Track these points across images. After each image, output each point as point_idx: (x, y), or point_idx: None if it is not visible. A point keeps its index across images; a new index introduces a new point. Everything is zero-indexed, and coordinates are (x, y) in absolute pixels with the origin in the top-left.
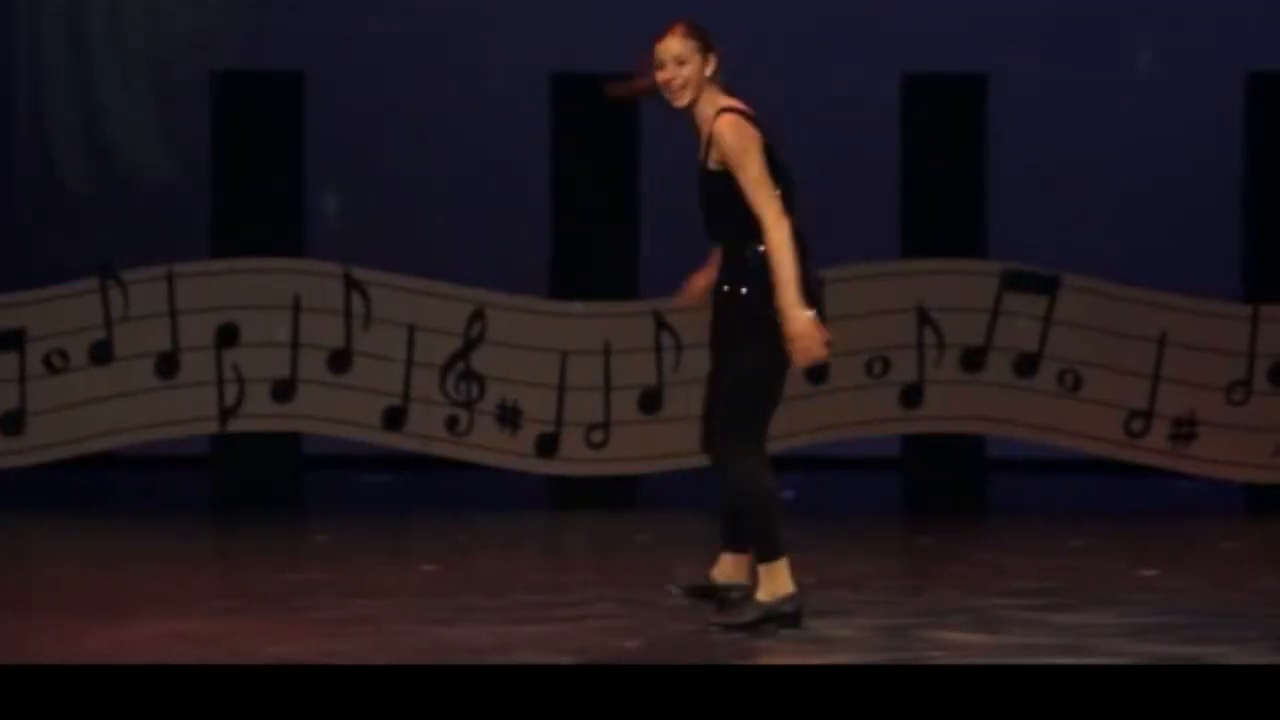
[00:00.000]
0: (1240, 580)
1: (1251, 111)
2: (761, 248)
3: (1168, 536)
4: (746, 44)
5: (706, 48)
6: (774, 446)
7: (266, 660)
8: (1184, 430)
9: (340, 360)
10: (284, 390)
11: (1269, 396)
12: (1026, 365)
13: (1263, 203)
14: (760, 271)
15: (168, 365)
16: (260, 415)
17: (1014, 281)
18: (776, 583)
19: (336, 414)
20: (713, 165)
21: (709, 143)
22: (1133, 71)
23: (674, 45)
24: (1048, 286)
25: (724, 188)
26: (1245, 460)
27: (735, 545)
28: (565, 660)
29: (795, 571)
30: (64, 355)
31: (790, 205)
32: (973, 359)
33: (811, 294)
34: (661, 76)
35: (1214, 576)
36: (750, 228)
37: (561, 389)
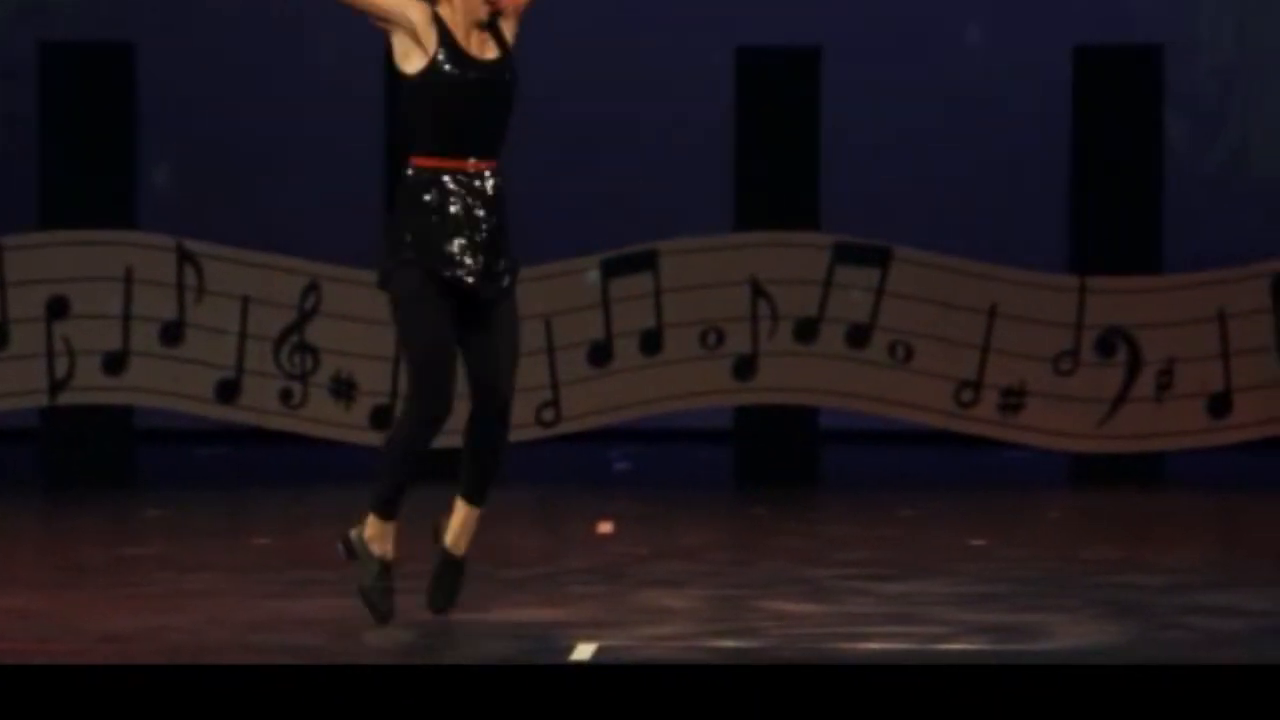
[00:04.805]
0: (1066, 549)
1: (1079, 85)
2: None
3: (996, 506)
4: (583, 16)
5: None
6: (607, 418)
7: (96, 634)
8: (1013, 400)
9: (173, 332)
10: (115, 362)
11: (1096, 367)
12: (859, 337)
13: (1090, 176)
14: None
15: None
16: (91, 388)
17: (846, 254)
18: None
19: (169, 387)
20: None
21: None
22: (962, 45)
23: None
24: (879, 259)
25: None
26: (1072, 430)
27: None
28: (399, 633)
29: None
30: None
31: None
32: (806, 330)
33: None
34: None
35: (1041, 546)
36: None
37: (396, 362)
